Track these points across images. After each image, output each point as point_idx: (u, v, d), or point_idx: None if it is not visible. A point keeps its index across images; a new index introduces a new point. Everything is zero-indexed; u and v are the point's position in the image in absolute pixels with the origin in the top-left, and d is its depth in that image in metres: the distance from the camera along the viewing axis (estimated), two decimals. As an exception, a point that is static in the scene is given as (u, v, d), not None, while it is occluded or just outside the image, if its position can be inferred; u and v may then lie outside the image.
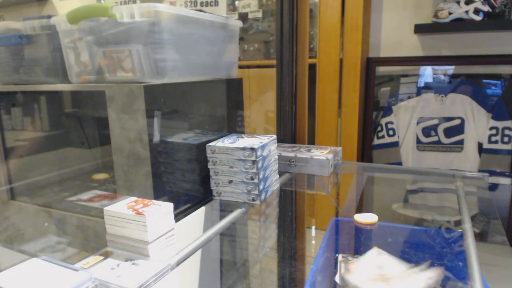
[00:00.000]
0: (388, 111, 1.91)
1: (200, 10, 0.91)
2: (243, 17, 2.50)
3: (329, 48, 1.92)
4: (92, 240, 0.88)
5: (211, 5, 1.03)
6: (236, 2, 2.52)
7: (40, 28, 0.91)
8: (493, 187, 1.73)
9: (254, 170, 0.85)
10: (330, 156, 1.03)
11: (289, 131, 1.31)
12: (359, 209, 1.37)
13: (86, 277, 0.49)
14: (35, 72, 0.95)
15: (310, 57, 1.54)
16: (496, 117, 1.70)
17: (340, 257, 0.93)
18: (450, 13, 1.61)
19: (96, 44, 0.82)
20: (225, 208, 0.92)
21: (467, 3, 1.58)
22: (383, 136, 1.93)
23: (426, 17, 1.79)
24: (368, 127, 1.97)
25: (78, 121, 1.23)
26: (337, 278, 0.84)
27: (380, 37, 1.93)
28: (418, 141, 1.86)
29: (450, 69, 1.79)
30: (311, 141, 2.05)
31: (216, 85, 1.00)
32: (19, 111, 1.11)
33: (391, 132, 1.91)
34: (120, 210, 0.63)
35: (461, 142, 1.79)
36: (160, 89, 0.79)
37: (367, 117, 1.97)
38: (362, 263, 0.88)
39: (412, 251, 1.00)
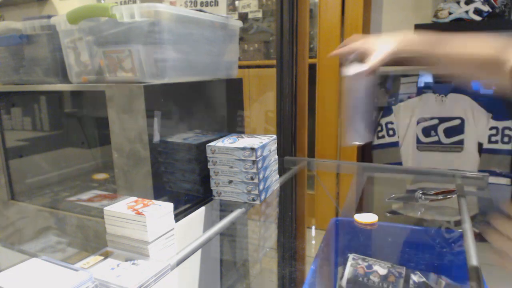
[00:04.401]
0: (388, 111, 1.91)
1: (200, 10, 0.91)
2: (243, 17, 2.50)
3: (329, 48, 1.92)
4: (92, 240, 0.88)
5: (211, 5, 1.03)
6: (236, 2, 2.52)
7: (40, 28, 0.91)
8: (493, 187, 1.73)
9: (254, 170, 0.85)
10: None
11: (289, 131, 1.31)
12: (359, 209, 1.37)
13: (86, 277, 0.49)
14: (35, 72, 0.95)
15: (310, 57, 1.54)
16: (496, 117, 1.70)
17: (351, 257, 0.92)
18: (450, 13, 1.61)
19: (96, 44, 0.82)
20: (225, 208, 0.92)
21: (467, 3, 1.58)
22: (383, 136, 1.93)
23: (426, 17, 1.79)
24: (368, 127, 1.97)
25: (78, 121, 1.23)
26: (343, 283, 0.84)
27: (380, 37, 1.92)
28: (418, 141, 1.86)
29: (450, 69, 1.79)
30: (311, 141, 2.04)
31: (216, 85, 1.00)
32: (19, 111, 1.11)
33: (391, 132, 1.91)
34: (120, 210, 0.63)
35: (461, 142, 1.79)
36: (160, 89, 0.79)
37: (367, 117, 1.96)
38: None
39: (412, 251, 1.00)
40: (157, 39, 0.76)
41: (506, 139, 1.69)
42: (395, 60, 0.68)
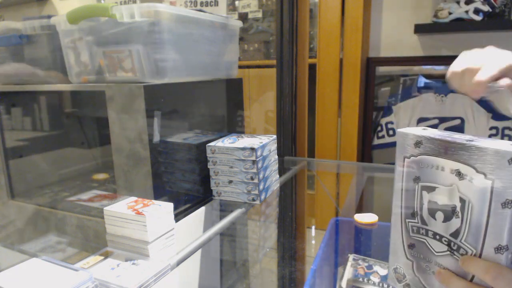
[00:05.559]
0: (388, 111, 1.91)
1: (200, 10, 0.91)
2: (243, 17, 2.50)
3: (329, 48, 1.92)
4: (92, 240, 0.88)
5: (211, 5, 1.03)
6: (236, 2, 2.52)
7: (40, 28, 0.91)
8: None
9: (254, 170, 0.85)
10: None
11: (289, 131, 1.31)
12: (359, 209, 1.37)
13: (86, 277, 0.49)
14: (35, 72, 0.95)
15: (310, 57, 1.54)
16: (496, 117, 1.70)
17: (351, 258, 0.92)
18: (450, 13, 1.61)
19: (96, 44, 0.82)
20: (225, 208, 0.92)
21: (467, 3, 1.58)
22: (383, 136, 1.93)
23: (426, 17, 1.79)
24: (368, 127, 1.97)
25: (78, 121, 1.23)
26: (343, 283, 0.84)
27: (380, 37, 1.93)
28: (418, 141, 1.86)
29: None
30: (311, 141, 2.05)
31: (216, 85, 1.00)
32: (19, 111, 1.11)
33: (391, 132, 1.91)
34: (120, 210, 0.63)
35: (461, 142, 1.78)
36: (160, 89, 0.79)
37: (367, 117, 1.97)
38: None
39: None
40: (157, 39, 0.76)
41: (506, 139, 1.69)
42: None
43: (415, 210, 0.45)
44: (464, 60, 0.55)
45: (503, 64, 0.49)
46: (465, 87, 0.53)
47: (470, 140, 0.38)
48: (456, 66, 0.56)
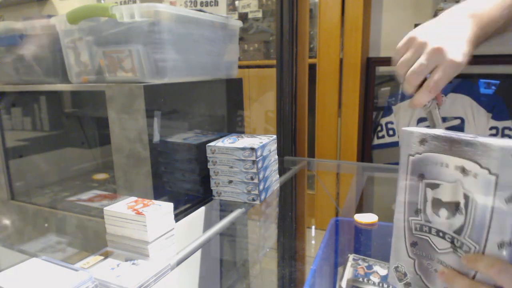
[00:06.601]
0: (388, 111, 1.91)
1: (200, 10, 0.91)
2: (243, 17, 2.50)
3: (329, 48, 1.92)
4: (92, 240, 0.88)
5: (211, 5, 1.03)
6: (236, 2, 2.52)
7: (40, 28, 0.91)
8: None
9: (254, 170, 0.85)
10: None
11: (289, 131, 1.31)
12: (359, 209, 1.37)
13: (86, 277, 0.49)
14: (35, 72, 0.95)
15: (310, 57, 1.54)
16: (496, 117, 1.70)
17: (351, 258, 0.92)
18: (450, 13, 1.61)
19: (96, 44, 0.82)
20: (225, 208, 0.92)
21: (467, 3, 1.58)
22: (383, 136, 1.93)
23: (426, 17, 1.79)
24: (368, 127, 1.97)
25: (78, 121, 1.23)
26: (343, 283, 0.83)
27: (380, 37, 1.93)
28: (418, 141, 1.86)
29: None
30: (311, 141, 2.05)
31: (216, 85, 1.00)
32: (19, 111, 1.11)
33: (391, 132, 1.91)
34: (120, 210, 0.63)
35: (461, 142, 1.78)
36: (160, 89, 0.79)
37: (367, 117, 1.97)
38: None
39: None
40: (157, 39, 0.76)
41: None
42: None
43: (419, 207, 0.46)
44: (413, 53, 0.53)
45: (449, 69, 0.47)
46: (406, 88, 0.53)
47: (474, 137, 0.39)
48: (404, 62, 0.55)
